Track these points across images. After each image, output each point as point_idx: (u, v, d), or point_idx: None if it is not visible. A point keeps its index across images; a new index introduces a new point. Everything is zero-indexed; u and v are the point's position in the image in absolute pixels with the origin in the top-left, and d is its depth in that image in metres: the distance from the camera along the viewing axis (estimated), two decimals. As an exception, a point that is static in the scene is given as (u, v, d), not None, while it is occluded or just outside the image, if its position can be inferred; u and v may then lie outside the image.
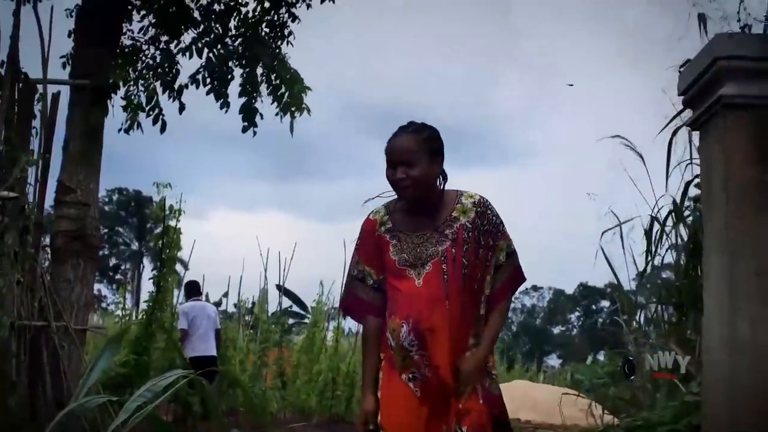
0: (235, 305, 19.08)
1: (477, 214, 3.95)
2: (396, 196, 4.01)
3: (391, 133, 3.92)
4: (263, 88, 10.30)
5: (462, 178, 4.55)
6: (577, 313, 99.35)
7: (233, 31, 10.32)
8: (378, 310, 4.02)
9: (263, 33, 10.48)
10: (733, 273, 5.02)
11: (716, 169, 5.23)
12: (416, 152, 3.84)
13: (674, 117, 8.05)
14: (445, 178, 4.01)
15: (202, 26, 10.12)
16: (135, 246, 78.05)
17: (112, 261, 78.10)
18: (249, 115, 10.14)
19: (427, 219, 3.96)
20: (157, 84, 9.95)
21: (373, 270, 4.04)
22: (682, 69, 6.25)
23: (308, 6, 10.56)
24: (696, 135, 6.42)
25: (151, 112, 9.79)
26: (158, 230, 11.90)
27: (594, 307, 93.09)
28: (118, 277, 75.19)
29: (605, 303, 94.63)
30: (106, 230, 73.18)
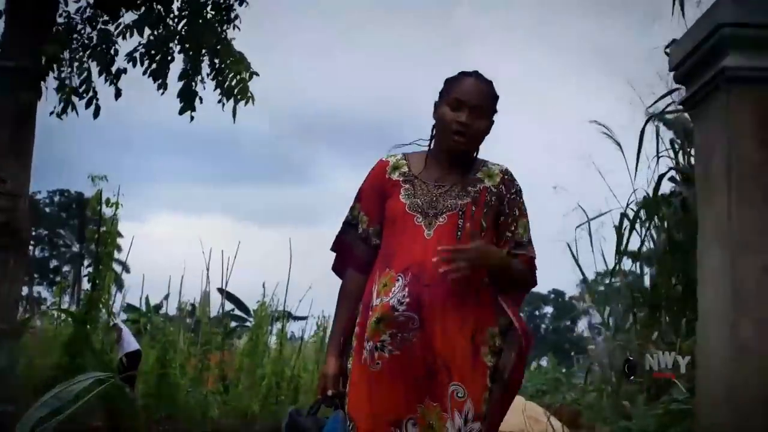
0: (176, 308, 18.51)
1: (503, 181, 3.57)
2: (425, 148, 3.66)
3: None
4: (205, 72, 9.66)
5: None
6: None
7: (176, 12, 9.67)
8: (361, 264, 3.61)
9: (208, 15, 9.85)
10: (736, 269, 4.44)
11: (717, 151, 4.67)
12: (489, 104, 3.54)
13: (656, 101, 7.57)
14: None
15: (143, 8, 9.48)
16: (76, 248, 77.01)
17: (53, 263, 77.15)
18: (188, 97, 9.49)
19: (449, 173, 3.55)
20: (93, 65, 9.29)
21: (367, 217, 3.64)
22: (668, 49, 5.76)
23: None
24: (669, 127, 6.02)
25: (85, 95, 9.16)
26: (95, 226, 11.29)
27: (537, 312, 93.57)
28: (58, 279, 74.12)
29: (548, 309, 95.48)
30: (46, 232, 72.27)
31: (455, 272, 3.24)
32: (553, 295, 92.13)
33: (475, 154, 3.59)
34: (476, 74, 3.54)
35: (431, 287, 3.31)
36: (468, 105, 3.43)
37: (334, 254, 3.76)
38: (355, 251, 3.63)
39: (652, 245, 8.48)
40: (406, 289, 3.33)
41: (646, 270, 9.11)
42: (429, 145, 3.64)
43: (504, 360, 3.41)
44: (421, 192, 3.50)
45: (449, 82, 3.56)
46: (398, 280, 3.37)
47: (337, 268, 3.76)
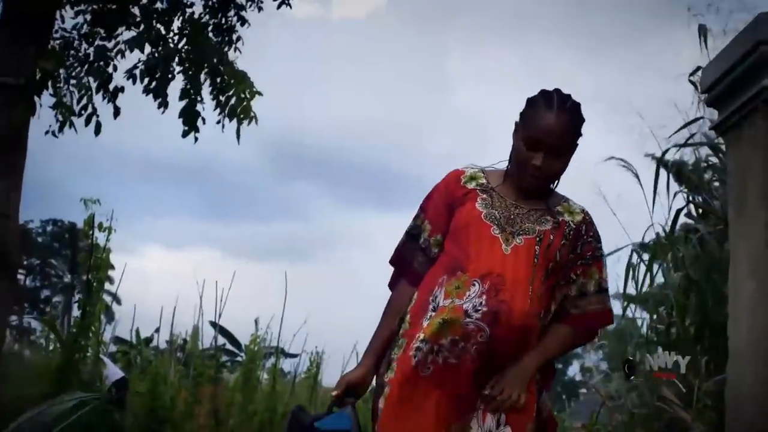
0: (167, 341, 18.19)
1: (583, 221, 3.28)
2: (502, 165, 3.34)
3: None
4: (206, 92, 9.38)
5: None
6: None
7: (176, 31, 9.41)
8: (416, 277, 3.29)
9: (209, 38, 9.61)
10: (773, 301, 4.15)
11: (753, 177, 4.39)
12: (570, 142, 3.19)
13: (678, 130, 7.29)
14: None
15: (142, 26, 9.22)
16: (68, 278, 76.60)
17: (44, 293, 76.68)
18: (190, 118, 9.19)
19: (528, 197, 3.25)
20: (91, 80, 9.00)
21: (430, 225, 3.34)
22: (692, 76, 5.51)
23: (259, 9, 9.75)
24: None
25: (83, 112, 8.88)
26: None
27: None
28: (48, 309, 73.68)
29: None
30: (38, 262, 71.87)
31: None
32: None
33: (555, 185, 3.30)
34: (559, 105, 3.16)
35: (508, 304, 3.02)
36: (545, 145, 3.11)
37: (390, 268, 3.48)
38: (414, 263, 3.34)
39: (662, 282, 8.20)
40: (484, 297, 3.03)
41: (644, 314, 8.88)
42: (508, 166, 3.31)
43: (543, 398, 3.22)
44: (500, 205, 3.22)
45: (529, 113, 3.22)
46: (474, 285, 3.06)
47: (392, 283, 3.47)
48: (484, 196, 3.24)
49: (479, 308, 3.01)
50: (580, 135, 3.22)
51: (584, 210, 3.30)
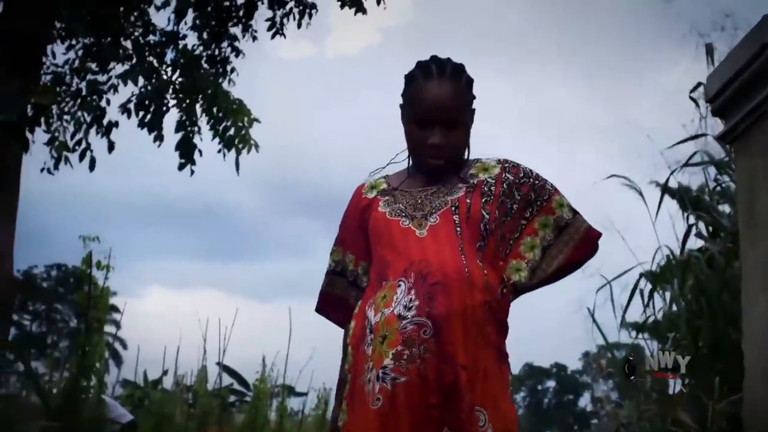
0: (174, 383, 18.06)
1: (503, 170, 2.92)
2: (404, 164, 3.03)
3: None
4: (203, 123, 9.29)
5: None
6: (522, 393, 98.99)
7: (169, 63, 9.32)
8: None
9: (203, 70, 9.51)
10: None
11: (763, 186, 4.18)
12: (461, 107, 2.86)
13: (680, 142, 7.13)
14: None
15: (134, 59, 9.12)
16: (74, 323, 76.54)
17: (51, 338, 76.58)
18: (187, 150, 9.06)
19: (441, 179, 2.91)
20: (84, 114, 8.92)
21: (353, 254, 3.02)
22: (692, 93, 5.35)
23: (254, 39, 9.66)
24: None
25: (77, 147, 8.77)
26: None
27: (539, 387, 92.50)
28: (56, 355, 73.52)
29: (550, 383, 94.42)
30: (44, 307, 71.82)
31: None
32: (555, 369, 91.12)
33: (467, 156, 2.98)
34: (438, 72, 2.87)
35: (442, 285, 2.65)
36: (437, 120, 2.83)
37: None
38: (350, 300, 3.02)
39: (672, 308, 8.00)
40: (413, 291, 2.66)
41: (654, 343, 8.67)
42: (408, 160, 3.02)
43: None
44: (404, 199, 2.90)
45: (410, 90, 2.94)
46: (399, 285, 2.70)
47: (334, 320, 3.14)
48: (386, 197, 2.95)
49: (410, 305, 2.65)
50: (473, 97, 2.94)
51: (501, 159, 2.96)
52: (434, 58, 2.91)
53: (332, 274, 3.10)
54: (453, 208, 2.80)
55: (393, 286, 2.71)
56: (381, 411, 2.60)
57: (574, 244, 2.89)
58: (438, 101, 2.82)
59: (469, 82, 2.92)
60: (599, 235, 2.96)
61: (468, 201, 2.81)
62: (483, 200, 2.83)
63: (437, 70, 2.87)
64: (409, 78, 2.95)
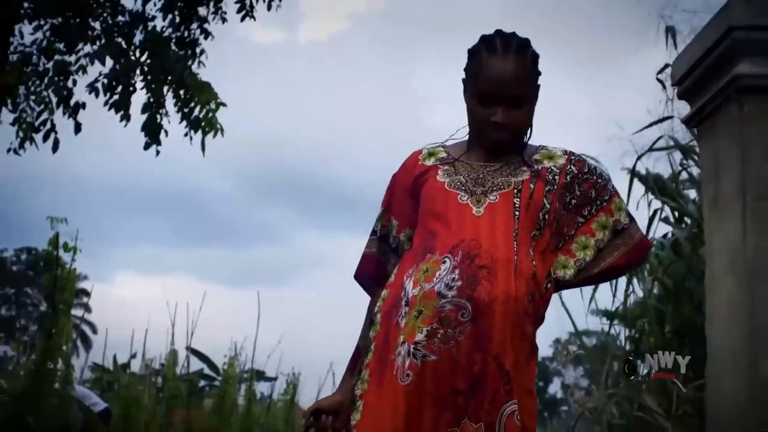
0: (143, 366, 18.02)
1: (569, 161, 2.82)
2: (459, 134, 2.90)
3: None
4: (170, 105, 9.21)
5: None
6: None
7: (137, 45, 9.26)
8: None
9: (172, 51, 9.45)
10: (754, 301, 3.97)
11: (727, 171, 4.20)
12: (525, 84, 2.74)
13: (647, 126, 7.16)
14: None
15: (103, 40, 9.06)
16: (44, 307, 76.21)
17: (21, 322, 76.30)
18: (153, 130, 9.01)
19: (501, 155, 2.80)
20: (51, 93, 8.83)
21: (397, 220, 2.92)
22: (660, 74, 5.36)
23: (223, 21, 9.60)
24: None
25: (42, 127, 8.68)
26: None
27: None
28: (25, 338, 73.17)
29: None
30: (13, 291, 71.45)
31: None
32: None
33: (528, 137, 2.87)
34: (503, 48, 2.74)
35: (489, 269, 2.57)
36: (501, 97, 2.71)
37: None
38: (388, 267, 2.91)
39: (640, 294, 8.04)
40: (457, 271, 2.56)
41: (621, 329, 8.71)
42: (469, 133, 2.89)
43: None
44: (464, 170, 2.78)
45: (472, 65, 2.81)
46: (444, 262, 2.60)
47: (367, 288, 3.02)
48: (446, 167, 2.82)
49: (452, 284, 2.56)
50: (539, 74, 2.82)
51: (567, 150, 2.87)
52: (499, 32, 2.80)
53: (376, 239, 3.01)
54: (515, 191, 2.72)
55: (437, 261, 2.63)
56: (409, 388, 2.55)
57: (626, 249, 2.82)
58: (501, 78, 2.72)
59: (535, 57, 2.81)
60: (651, 245, 2.96)
61: (531, 186, 2.73)
62: (546, 189, 2.75)
63: (502, 45, 2.75)
64: (472, 53, 2.85)
